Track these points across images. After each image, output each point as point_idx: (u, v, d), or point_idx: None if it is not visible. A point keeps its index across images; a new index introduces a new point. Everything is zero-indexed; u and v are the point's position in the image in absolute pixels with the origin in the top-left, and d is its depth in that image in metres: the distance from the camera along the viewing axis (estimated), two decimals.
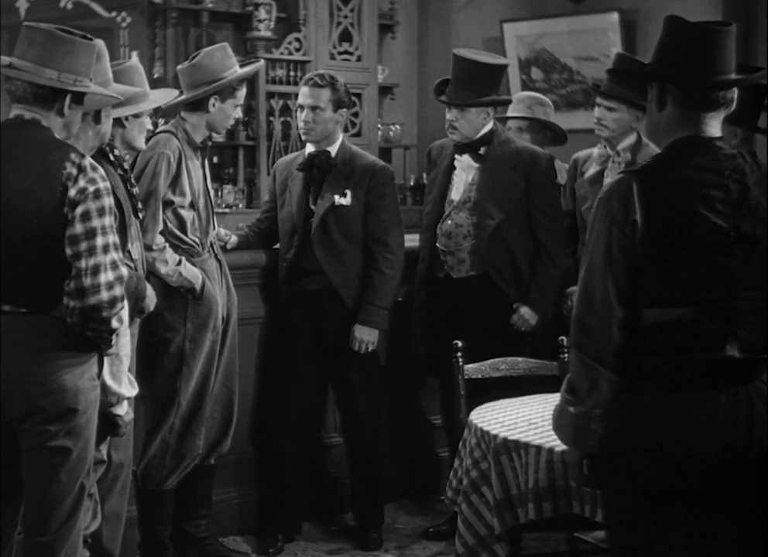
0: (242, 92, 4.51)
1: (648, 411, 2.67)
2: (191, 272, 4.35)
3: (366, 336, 4.73)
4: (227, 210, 7.41)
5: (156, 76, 7.42)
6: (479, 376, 4.10)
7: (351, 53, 8.09)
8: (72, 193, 3.10)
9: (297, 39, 7.90)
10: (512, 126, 5.35)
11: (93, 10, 7.37)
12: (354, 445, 4.97)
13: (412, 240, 5.11)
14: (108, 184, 3.17)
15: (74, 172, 3.11)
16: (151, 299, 3.99)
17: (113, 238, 3.15)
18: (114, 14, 7.51)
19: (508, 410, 3.69)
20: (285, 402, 4.85)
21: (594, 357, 2.66)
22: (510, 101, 5.26)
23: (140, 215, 3.96)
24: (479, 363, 4.10)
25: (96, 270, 3.10)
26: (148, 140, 4.34)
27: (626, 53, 5.14)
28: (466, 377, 4.07)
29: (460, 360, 4.05)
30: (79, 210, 3.11)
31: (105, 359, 3.40)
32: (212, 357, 4.47)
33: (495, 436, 3.37)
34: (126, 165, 3.95)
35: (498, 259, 4.85)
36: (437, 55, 8.63)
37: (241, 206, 7.65)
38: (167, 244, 4.32)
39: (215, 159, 7.78)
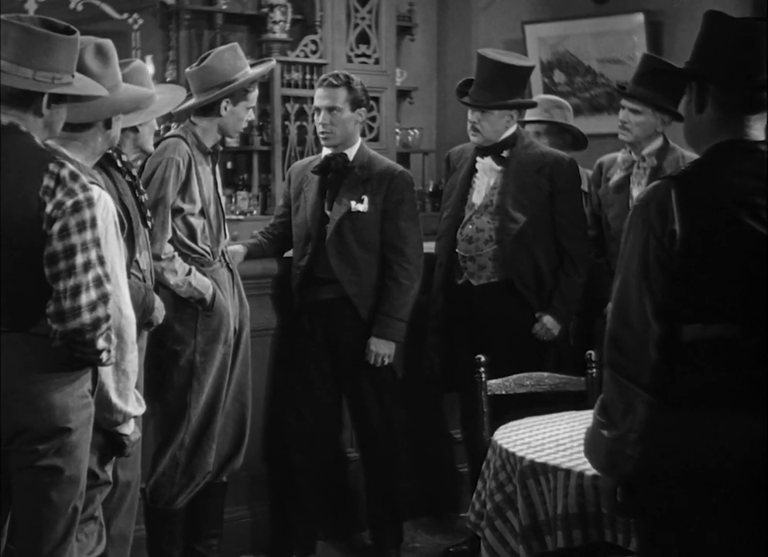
0: (255, 94, 4.39)
1: (687, 435, 2.50)
2: (201, 282, 4.23)
3: (382, 349, 4.60)
4: (241, 217, 7.33)
5: (168, 79, 7.33)
6: (503, 392, 3.94)
7: (368, 56, 8.02)
8: (49, 208, 2.92)
9: (313, 41, 7.82)
10: (529, 130, 5.22)
11: (104, 12, 7.25)
12: (371, 461, 4.85)
13: (431, 247, 5.02)
14: (91, 194, 2.98)
15: (51, 184, 2.93)
16: (159, 311, 3.86)
17: (97, 253, 2.97)
18: (125, 16, 7.38)
19: (534, 429, 3.52)
20: (299, 416, 4.74)
21: (629, 376, 2.49)
22: (535, 104, 5.11)
23: (149, 224, 3.84)
24: (503, 379, 3.93)
25: (76, 291, 2.93)
26: (156, 145, 4.22)
27: (653, 54, 4.96)
28: (489, 393, 3.89)
29: (483, 375, 3.89)
30: (56, 226, 2.93)
31: (110, 376, 3.25)
32: (223, 371, 4.35)
33: (522, 458, 3.20)
34: (135, 172, 3.83)
35: (520, 266, 4.73)
36: (457, 58, 8.56)
37: (255, 212, 7.56)
38: (176, 254, 4.21)
39: (229, 165, 7.78)
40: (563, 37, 7.89)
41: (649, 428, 2.50)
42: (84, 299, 2.93)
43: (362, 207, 4.59)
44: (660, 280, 2.47)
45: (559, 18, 7.88)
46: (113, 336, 3.02)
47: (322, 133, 4.63)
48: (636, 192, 4.84)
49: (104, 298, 2.96)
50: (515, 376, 3.98)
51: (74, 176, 2.95)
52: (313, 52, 7.80)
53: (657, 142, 4.86)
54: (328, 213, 4.63)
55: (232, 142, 7.48)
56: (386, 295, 4.59)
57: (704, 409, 2.49)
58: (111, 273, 3.09)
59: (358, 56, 7.96)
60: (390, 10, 8.10)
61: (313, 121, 4.74)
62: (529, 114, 5.32)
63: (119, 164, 3.73)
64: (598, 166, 5.09)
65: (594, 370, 3.98)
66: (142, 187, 3.85)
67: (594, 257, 4.96)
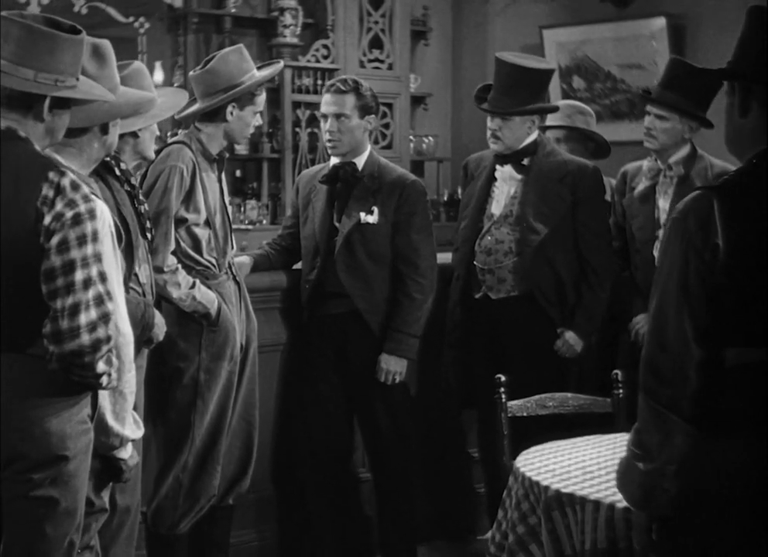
0: (262, 97, 4.27)
1: (730, 468, 2.30)
2: (206, 296, 4.09)
3: (393, 367, 4.47)
4: (250, 227, 7.24)
5: (176, 84, 7.21)
6: (524, 414, 3.76)
7: (381, 61, 7.94)
8: (47, 219, 2.74)
9: (325, 46, 7.74)
10: (550, 136, 5.05)
11: (109, 15, 7.18)
12: (383, 482, 4.70)
13: (446, 258, 4.89)
14: (93, 205, 2.80)
15: (51, 194, 2.75)
16: (160, 327, 3.73)
17: (98, 269, 2.78)
18: (131, 19, 7.33)
19: (558, 455, 3.33)
20: (309, 435, 4.64)
21: (667, 404, 2.30)
22: (557, 108, 4.98)
23: (148, 235, 3.70)
24: (524, 400, 3.75)
25: (75, 310, 2.75)
26: (158, 152, 4.09)
27: (681, 57, 4.79)
28: (509, 414, 3.70)
29: (503, 396, 3.71)
30: (55, 239, 2.75)
31: (107, 397, 3.07)
32: (229, 389, 4.22)
33: (546, 488, 3.00)
34: (134, 180, 3.69)
35: (542, 278, 4.60)
36: (473, 63, 8.49)
37: (265, 222, 7.48)
38: (180, 266, 4.07)
39: (238, 173, 7.75)
40: (582, 42, 7.80)
41: (688, 461, 2.31)
42: (84, 318, 2.75)
43: (372, 219, 4.46)
44: (701, 299, 2.28)
45: (578, 23, 7.78)
46: (114, 359, 2.83)
47: (329, 141, 4.51)
48: (662, 202, 4.71)
49: (105, 317, 2.78)
50: (537, 397, 3.79)
51: (75, 186, 2.77)
52: (325, 57, 7.73)
53: (684, 150, 4.70)
54: (337, 225, 4.51)
55: (241, 150, 7.46)
56: (398, 310, 4.47)
57: (748, 440, 2.30)
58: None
59: (370, 61, 7.90)
60: (404, 14, 8.03)
61: (321, 128, 4.53)
62: (550, 120, 5.18)
63: (117, 172, 3.60)
64: (622, 175, 4.94)
65: (621, 390, 3.79)
66: (141, 196, 3.72)
67: (618, 270, 4.83)
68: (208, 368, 4.13)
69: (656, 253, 4.60)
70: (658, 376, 2.32)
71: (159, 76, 7.33)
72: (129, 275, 3.55)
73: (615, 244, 4.81)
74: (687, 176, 4.64)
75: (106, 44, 3.16)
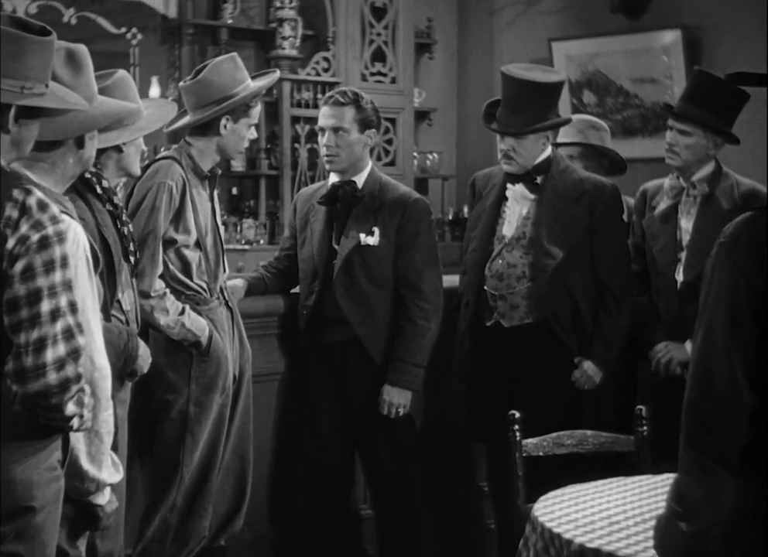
0: (257, 109, 4.08)
1: None
2: (196, 323, 3.92)
3: (396, 399, 4.31)
4: (246, 247, 7.13)
5: (170, 99, 6.99)
6: (540, 453, 3.52)
7: (384, 75, 7.80)
8: (11, 243, 2.47)
9: (325, 58, 7.61)
10: (562, 153, 4.81)
11: (100, 26, 7.05)
12: (386, 519, 4.56)
13: (452, 281, 4.71)
14: (62, 227, 2.53)
15: (15, 214, 2.48)
16: (144, 359, 3.53)
17: (67, 298, 2.52)
18: (123, 30, 7.21)
19: (580, 501, 3.06)
20: (306, 470, 4.49)
21: (713, 456, 2.04)
22: (569, 121, 4.74)
23: (131, 259, 3.51)
24: (540, 439, 3.51)
25: (40, 345, 2.48)
26: (146, 168, 3.94)
27: (705, 69, 4.56)
28: (525, 454, 3.45)
29: (517, 434, 3.46)
30: (19, 265, 2.47)
31: (81, 438, 2.82)
32: (221, 423, 4.05)
33: (569, 542, 2.73)
34: (117, 199, 3.48)
35: (557, 305, 4.40)
36: (479, 77, 8.36)
37: (262, 242, 7.35)
38: (168, 290, 3.90)
39: (234, 190, 7.66)
40: (593, 55, 7.65)
41: (737, 522, 2.04)
42: (50, 355, 2.48)
43: (372, 240, 4.30)
44: (752, 336, 2.02)
45: (588, 35, 7.64)
46: (86, 399, 2.57)
47: (327, 156, 4.33)
48: (684, 222, 4.49)
49: (74, 353, 2.51)
50: (554, 435, 3.55)
51: (43, 206, 2.51)
52: (325, 70, 7.60)
53: (709, 167, 4.48)
54: (336, 247, 4.34)
55: (238, 166, 7.41)
56: (401, 337, 4.31)
57: None
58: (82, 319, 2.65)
59: (373, 74, 7.75)
60: (408, 26, 7.91)
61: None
62: (563, 136, 4.95)
63: (99, 190, 3.41)
64: (641, 194, 4.71)
65: (645, 427, 3.55)
66: (125, 217, 3.54)
67: (637, 295, 4.60)
68: (198, 401, 3.98)
69: (678, 277, 4.44)
70: (703, 424, 2.06)
71: (155, 91, 7.24)
72: (111, 302, 3.37)
73: (634, 267, 4.61)
74: (711, 195, 4.44)
75: (82, 49, 2.91)
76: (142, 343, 3.51)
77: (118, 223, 3.44)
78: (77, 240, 2.63)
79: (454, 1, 8.50)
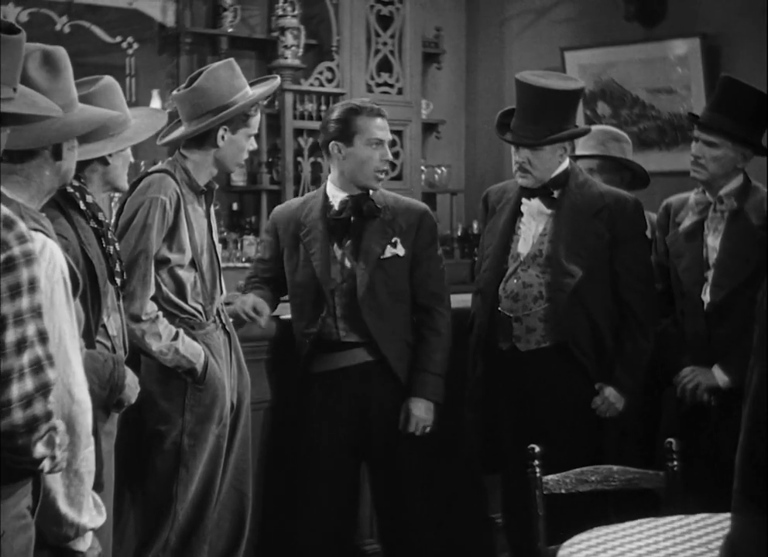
0: (257, 118, 3.90)
1: None
2: (191, 348, 3.74)
3: (423, 412, 4.20)
4: (247, 265, 6.69)
5: (168, 110, 6.79)
6: (562, 490, 3.29)
7: (391, 85, 7.67)
8: None
9: (329, 69, 7.49)
10: (581, 166, 4.64)
11: (94, 35, 6.85)
12: (395, 553, 4.40)
13: (462, 301, 4.59)
14: (31, 247, 2.30)
15: None
16: (132, 388, 3.31)
17: (36, 327, 2.29)
18: (119, 39, 6.98)
19: (608, 547, 2.82)
20: (310, 504, 4.27)
21: None
22: (588, 130, 4.57)
23: (117, 280, 3.31)
24: (562, 475, 3.28)
25: (5, 380, 2.25)
26: (137, 182, 3.77)
27: (733, 77, 4.36)
28: (545, 491, 3.22)
29: (537, 470, 3.24)
30: None
31: (58, 479, 2.60)
32: (217, 455, 3.87)
33: None
34: (102, 216, 3.27)
35: (576, 327, 4.23)
36: (488, 88, 8.30)
37: None
38: (161, 314, 3.72)
39: (235, 206, 7.55)
40: (607, 65, 7.55)
41: None
42: (16, 391, 2.25)
43: (399, 251, 4.20)
44: None
45: (603, 44, 7.55)
46: (58, 438, 2.34)
47: (383, 171, 4.22)
48: (711, 239, 4.31)
49: (43, 388, 2.28)
50: (577, 470, 3.33)
51: (9, 223, 2.28)
52: (329, 81, 7.47)
53: (737, 181, 4.28)
54: (352, 264, 4.19)
55: (239, 181, 7.33)
56: (425, 347, 4.24)
57: None
58: (58, 348, 2.44)
59: (379, 85, 7.62)
60: (415, 35, 7.78)
61: (368, 156, 4.20)
62: (581, 148, 4.81)
63: (82, 206, 3.20)
64: (664, 209, 4.52)
65: (676, 462, 3.32)
66: (112, 235, 3.34)
67: (661, 316, 4.43)
68: (193, 432, 3.79)
69: (704, 297, 4.26)
70: (761, 474, 1.82)
71: (156, 104, 7.08)
72: (96, 327, 3.17)
73: (658, 286, 4.43)
74: (740, 210, 4.25)
75: (60, 52, 2.71)
76: (129, 372, 3.31)
77: (104, 241, 3.25)
78: (53, 261, 2.42)
79: (463, 10, 8.44)
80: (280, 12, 7.31)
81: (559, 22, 7.87)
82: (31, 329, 2.26)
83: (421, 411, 4.19)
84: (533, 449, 3.27)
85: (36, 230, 2.43)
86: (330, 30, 7.51)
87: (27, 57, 2.59)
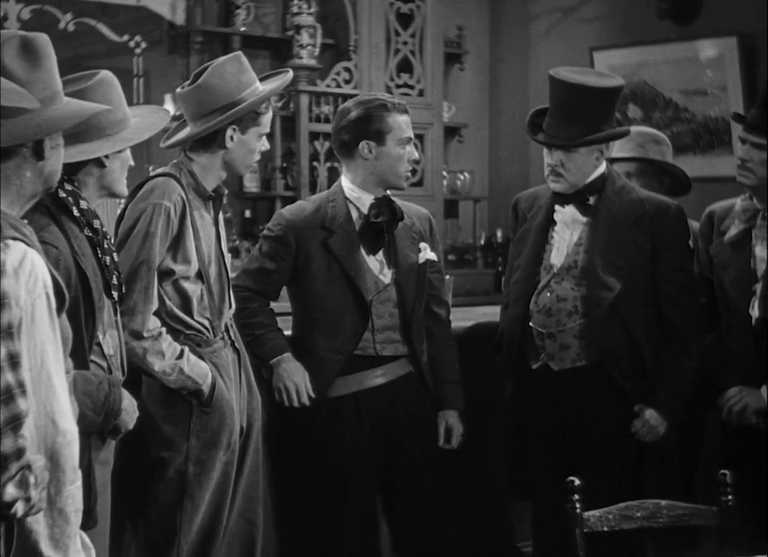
0: (268, 116, 3.72)
1: None
2: (197, 368, 3.57)
3: (458, 424, 4.19)
4: None
5: (177, 112, 6.66)
6: (604, 528, 3.06)
7: (411, 87, 7.59)
8: None
9: (347, 69, 7.40)
10: (618, 170, 4.47)
11: (100, 33, 6.69)
12: None
13: (487, 313, 4.74)
14: (2, 258, 2.08)
15: None
16: (129, 413, 3.15)
17: (6, 350, 2.09)
18: (126, 38, 6.84)
19: None
20: (325, 535, 4.09)
21: None
22: (628, 132, 4.38)
23: (114, 294, 3.14)
24: (605, 511, 3.05)
25: None
26: (139, 187, 3.59)
27: None
28: (586, 529, 2.99)
29: (577, 506, 3.01)
30: None
31: (41, 519, 2.38)
32: (225, 484, 3.70)
33: None
34: (98, 223, 3.09)
35: (615, 345, 4.06)
36: (513, 90, 8.23)
37: None
38: (164, 330, 3.54)
39: (248, 213, 7.41)
40: (638, 65, 7.43)
41: None
42: None
43: (432, 255, 4.15)
44: None
45: (634, 44, 7.44)
46: (33, 477, 2.11)
47: (409, 171, 4.10)
48: (759, 249, 4.13)
49: (14, 422, 2.06)
50: (621, 506, 3.09)
51: None
52: (347, 82, 7.38)
53: None
54: (389, 272, 4.08)
55: (251, 187, 7.23)
56: (447, 356, 4.22)
57: None
58: (40, 371, 2.25)
59: (398, 86, 7.52)
60: (436, 34, 7.69)
61: (394, 154, 4.07)
62: (618, 150, 4.60)
63: (76, 212, 3.02)
64: (707, 217, 4.34)
65: (731, 496, 3.08)
66: (108, 244, 3.16)
67: (705, 332, 4.26)
68: (199, 459, 3.62)
69: (752, 312, 4.08)
70: None
71: (170, 111, 6.81)
72: (90, 346, 3.00)
73: (701, 300, 4.25)
74: None
75: (41, 39, 2.49)
76: (126, 395, 3.14)
77: (99, 251, 3.06)
78: (34, 274, 2.22)
79: (486, 8, 8.34)
80: (295, 10, 7.21)
81: (587, 20, 7.75)
82: (0, 352, 2.03)
83: (458, 423, 4.17)
84: (573, 481, 3.04)
85: (14, 238, 2.21)
86: (348, 29, 7.43)
87: (3, 44, 2.38)
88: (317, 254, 4.02)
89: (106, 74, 3.08)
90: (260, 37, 7.34)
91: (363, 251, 4.03)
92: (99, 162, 3.07)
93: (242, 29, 7.18)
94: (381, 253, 4.06)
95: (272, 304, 4.15)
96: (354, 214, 4.03)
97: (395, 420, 4.06)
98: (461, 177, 8.03)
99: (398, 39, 7.53)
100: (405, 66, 7.57)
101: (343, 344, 4.01)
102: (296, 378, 3.94)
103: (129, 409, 3.11)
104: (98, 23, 6.79)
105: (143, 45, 7.01)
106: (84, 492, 2.54)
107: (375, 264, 4.04)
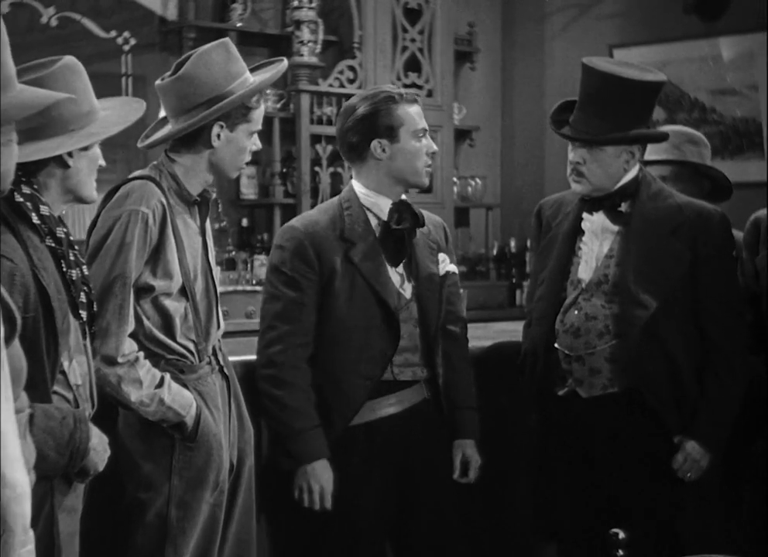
0: (260, 111, 3.46)
1: None
2: (180, 398, 3.31)
3: (476, 454, 3.93)
4: (258, 288, 6.65)
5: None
6: None
7: (419, 87, 7.53)
8: None
9: (351, 68, 7.37)
10: (653, 174, 4.26)
11: (85, 28, 6.55)
12: None
13: (505, 330, 4.67)
14: None
15: None
16: (98, 452, 2.86)
17: None
18: (113, 34, 6.72)
19: None
20: None
21: None
22: (666, 136, 4.10)
23: (83, 314, 2.87)
24: None
25: None
26: (113, 191, 3.32)
27: None
28: None
29: None
30: None
31: None
32: (212, 529, 3.45)
33: None
34: (62, 232, 2.83)
35: (651, 369, 3.79)
36: (527, 91, 8.28)
37: None
38: (141, 355, 3.27)
39: (244, 222, 7.36)
40: (662, 63, 7.29)
41: None
42: None
43: (453, 267, 3.94)
44: None
45: (657, 40, 7.47)
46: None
47: (428, 169, 3.86)
48: None
49: None
50: None
51: None
52: (351, 81, 7.35)
53: None
54: (409, 286, 3.83)
55: (249, 194, 7.22)
56: (464, 379, 3.98)
57: None
58: None
59: (406, 86, 7.36)
60: (446, 31, 7.70)
61: (414, 149, 3.86)
62: (652, 152, 4.29)
63: (35, 220, 2.76)
64: (752, 225, 4.16)
65: None
66: (77, 256, 2.90)
67: (750, 354, 4.02)
68: (182, 501, 3.37)
69: None
70: None
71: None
72: (52, 376, 2.73)
73: (747, 317, 4.03)
74: None
75: None
76: (95, 431, 2.87)
77: (64, 264, 2.79)
78: None
79: (499, 4, 8.43)
80: (296, 4, 7.14)
81: (607, 16, 7.83)
82: None
83: (476, 454, 3.95)
84: (617, 534, 2.74)
85: None
86: (352, 24, 7.39)
87: None
88: (341, 270, 3.78)
89: (70, 60, 2.82)
90: (258, 33, 7.29)
91: (386, 263, 3.84)
92: (62, 162, 2.81)
93: (239, 24, 7.11)
94: (405, 263, 3.83)
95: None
96: (374, 222, 3.77)
97: (409, 455, 3.82)
98: (473, 183, 8.03)
99: (405, 35, 7.52)
100: (413, 65, 7.56)
101: (370, 368, 3.75)
102: (323, 481, 3.66)
103: (99, 448, 2.84)
104: (84, 18, 6.70)
105: (132, 42, 6.93)
106: (44, 549, 2.24)
107: (396, 277, 3.79)
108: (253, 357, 3.71)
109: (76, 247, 2.86)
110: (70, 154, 2.77)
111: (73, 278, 2.77)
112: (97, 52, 6.66)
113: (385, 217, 3.75)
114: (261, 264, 6.93)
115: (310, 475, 3.62)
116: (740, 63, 7.09)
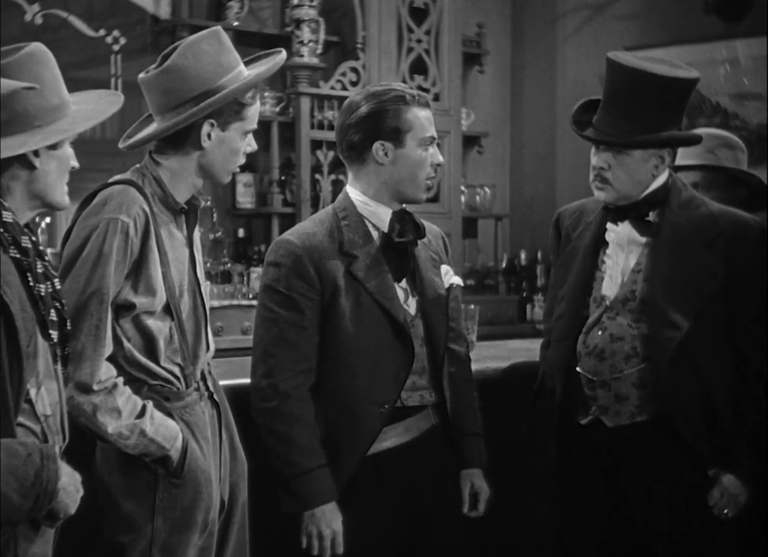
0: (255, 109, 3.26)
1: None
2: (163, 429, 3.11)
3: (486, 485, 3.74)
4: (254, 302, 6.33)
5: None
6: None
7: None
8: None
9: (353, 69, 7.32)
10: (684, 180, 4.10)
11: (72, 27, 6.50)
12: None
13: (515, 348, 4.60)
14: None
15: None
16: (70, 492, 2.60)
17: None
18: (102, 33, 6.68)
19: None
20: None
21: None
22: (699, 139, 3.89)
23: (54, 334, 2.64)
24: None
25: None
26: (91, 197, 3.11)
27: None
28: None
29: None
30: None
31: None
32: None
33: None
34: (28, 241, 2.60)
35: (683, 395, 3.63)
36: (537, 96, 8.27)
37: None
38: (121, 380, 3.06)
39: (241, 232, 7.30)
40: None
41: None
42: None
43: (458, 280, 3.77)
44: None
45: (675, 42, 7.36)
46: None
47: (432, 181, 3.66)
48: None
49: None
50: None
51: None
52: (354, 84, 7.27)
53: None
54: (414, 301, 3.64)
55: (246, 203, 7.14)
56: (466, 403, 3.76)
57: None
58: None
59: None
60: (454, 32, 7.66)
61: (418, 157, 3.76)
62: (683, 156, 4.17)
63: None
64: None
65: None
66: (47, 269, 2.67)
67: None
68: (167, 544, 3.17)
69: None
70: None
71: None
72: (16, 406, 2.50)
73: None
74: None
75: None
76: (65, 469, 2.62)
77: (30, 277, 2.57)
78: None
79: (509, 4, 8.40)
80: (296, 2, 7.08)
81: (622, 17, 7.84)
82: None
83: (486, 484, 3.76)
84: None
85: None
86: (355, 24, 7.36)
87: None
88: (344, 287, 3.56)
89: (37, 47, 2.59)
90: (255, 33, 7.20)
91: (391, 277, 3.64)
92: (27, 163, 2.58)
93: (235, 23, 7.04)
94: (408, 277, 3.63)
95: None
96: (374, 233, 3.56)
97: (419, 489, 3.61)
98: (481, 192, 7.98)
99: (411, 36, 7.46)
100: (419, 67, 7.50)
101: (384, 392, 3.53)
102: (334, 525, 3.44)
103: (70, 488, 2.59)
104: (70, 16, 6.65)
105: (122, 41, 6.89)
106: None
107: (401, 292, 3.58)
108: (248, 380, 3.45)
109: (46, 258, 2.63)
110: (36, 153, 2.54)
111: (42, 294, 2.53)
112: (85, 51, 6.63)
113: (385, 228, 3.55)
114: (258, 276, 6.75)
115: (320, 520, 3.41)
116: (763, 66, 7.03)
